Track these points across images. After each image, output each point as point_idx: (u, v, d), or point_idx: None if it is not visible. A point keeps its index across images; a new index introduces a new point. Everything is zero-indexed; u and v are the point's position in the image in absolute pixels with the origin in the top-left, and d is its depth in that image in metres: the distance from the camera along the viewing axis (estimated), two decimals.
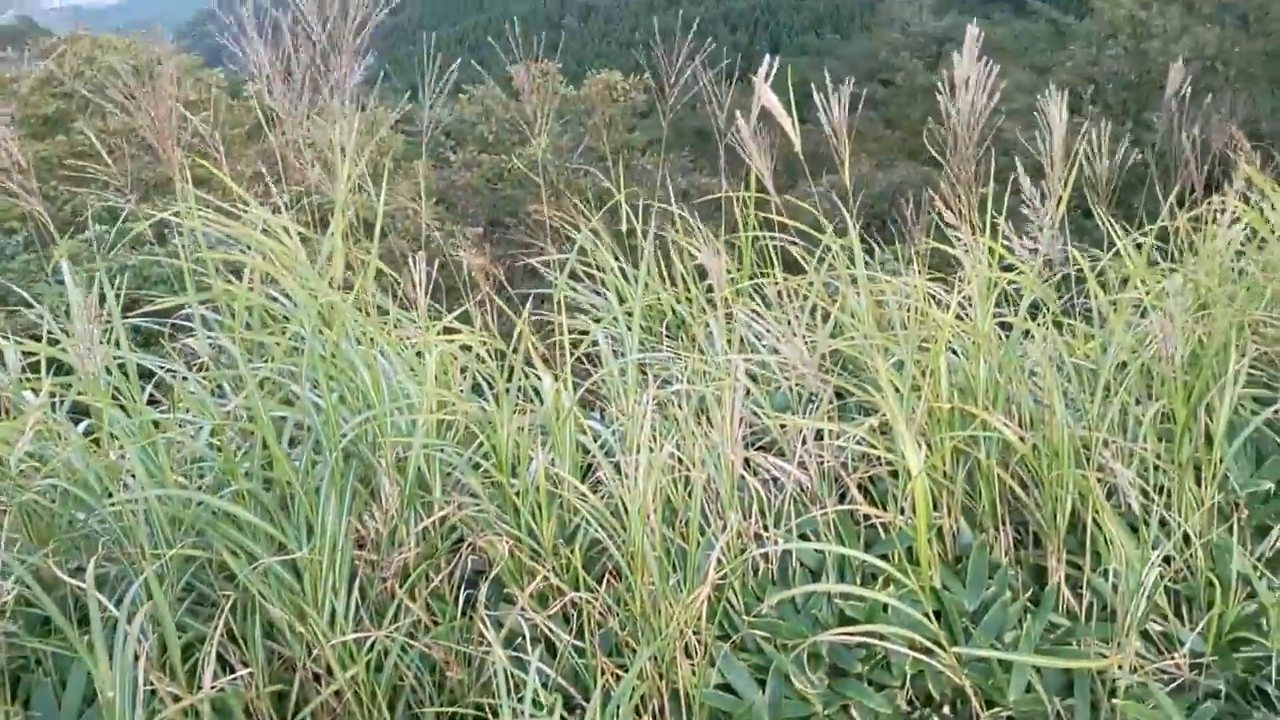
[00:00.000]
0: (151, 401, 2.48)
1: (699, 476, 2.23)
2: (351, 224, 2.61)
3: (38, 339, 2.46)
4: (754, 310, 2.88)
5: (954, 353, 2.66)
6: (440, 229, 7.97)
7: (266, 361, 2.43)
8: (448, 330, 2.72)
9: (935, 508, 2.44)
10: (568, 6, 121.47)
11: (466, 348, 2.64)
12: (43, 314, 2.45)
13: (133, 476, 2.15)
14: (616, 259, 3.00)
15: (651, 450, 2.17)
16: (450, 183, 10.58)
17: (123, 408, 2.27)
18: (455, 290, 2.86)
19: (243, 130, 12.76)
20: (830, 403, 2.56)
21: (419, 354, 2.53)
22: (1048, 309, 2.66)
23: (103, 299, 2.26)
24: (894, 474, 2.46)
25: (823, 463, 2.48)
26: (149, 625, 2.01)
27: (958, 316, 2.58)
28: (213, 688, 1.96)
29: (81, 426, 2.46)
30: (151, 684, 1.97)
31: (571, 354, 2.61)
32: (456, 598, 2.28)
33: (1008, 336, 2.59)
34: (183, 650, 2.07)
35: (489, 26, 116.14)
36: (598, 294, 3.00)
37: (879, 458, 2.47)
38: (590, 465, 2.47)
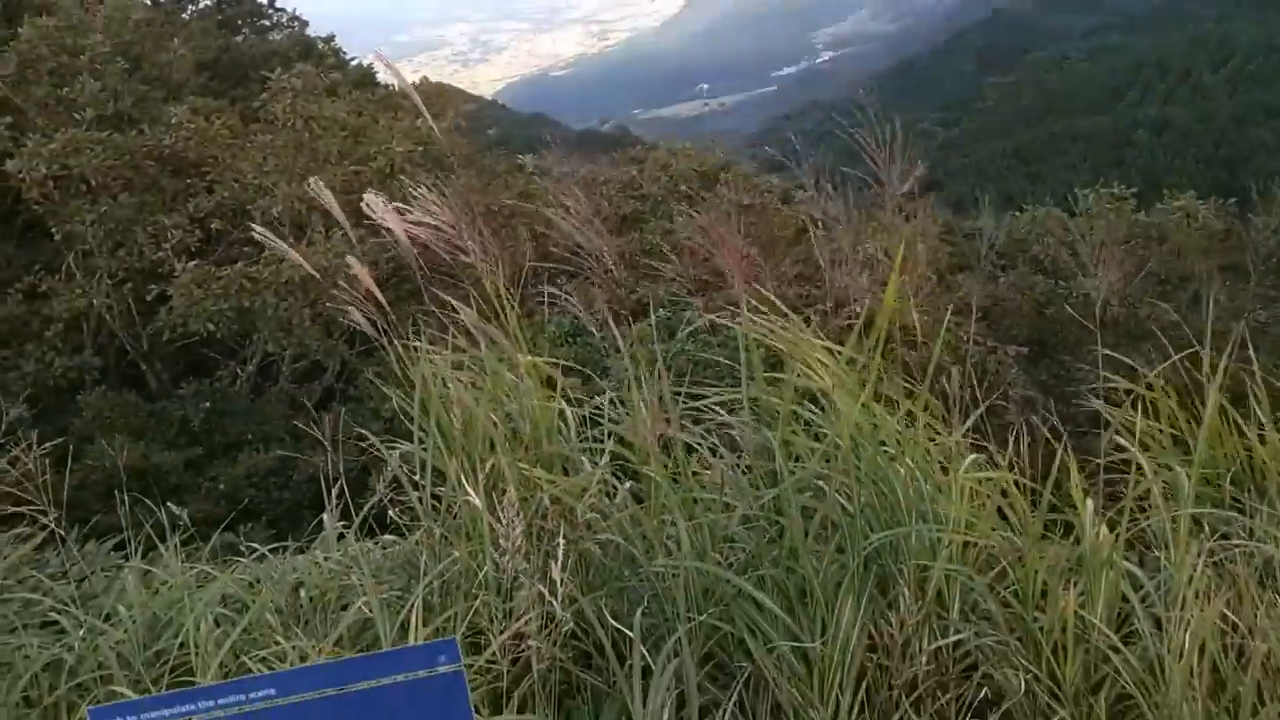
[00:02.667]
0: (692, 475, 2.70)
1: (1258, 647, 1.94)
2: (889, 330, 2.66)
3: (599, 407, 2.79)
4: None
5: None
6: (981, 344, 7.81)
7: (800, 460, 2.53)
8: (978, 448, 2.65)
9: None
10: (1140, 120, 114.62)
11: (993, 469, 2.55)
12: (605, 387, 2.78)
13: (677, 544, 2.34)
14: (1171, 395, 2.74)
15: (1201, 609, 1.94)
16: (995, 300, 10.35)
17: (675, 478, 2.50)
18: (994, 409, 2.79)
19: (789, 234, 13.53)
20: None
21: (945, 470, 2.49)
22: None
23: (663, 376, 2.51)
24: None
25: None
26: (672, 680, 2.17)
27: None
28: None
29: (626, 487, 2.73)
30: None
31: (1117, 490, 2.41)
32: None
33: None
34: (701, 709, 2.21)
35: (1049, 141, 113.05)
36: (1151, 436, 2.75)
37: None
38: (1126, 614, 2.26)
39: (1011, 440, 2.53)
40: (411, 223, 3.21)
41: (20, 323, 10.53)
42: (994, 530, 2.39)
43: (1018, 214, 12.97)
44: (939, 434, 2.57)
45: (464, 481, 2.67)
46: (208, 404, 8.92)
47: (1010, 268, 10.98)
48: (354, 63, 26.00)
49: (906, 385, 2.54)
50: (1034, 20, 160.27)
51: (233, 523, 4.64)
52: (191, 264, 9.95)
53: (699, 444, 2.68)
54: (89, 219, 10.72)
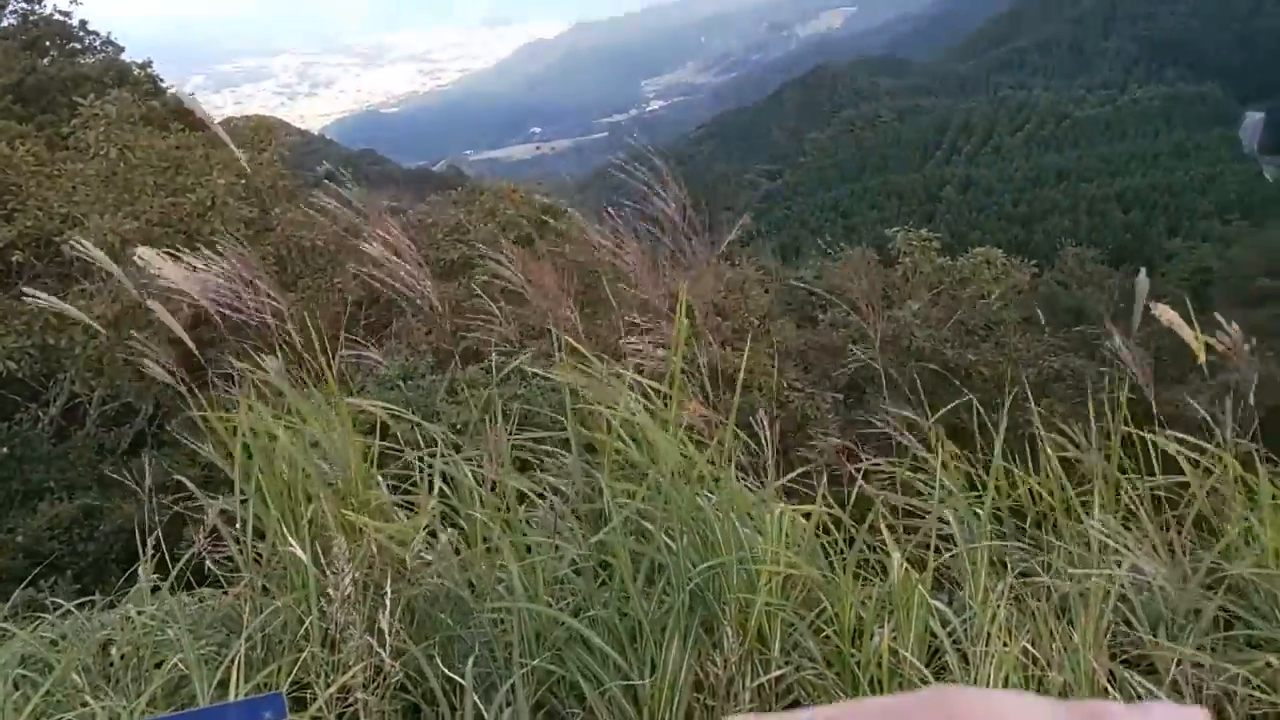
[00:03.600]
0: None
1: (1055, 678, 2.11)
2: (712, 377, 2.77)
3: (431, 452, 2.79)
4: (1127, 512, 2.71)
5: None
6: (799, 390, 8.14)
7: (628, 500, 2.59)
8: (789, 491, 2.77)
9: None
10: (947, 178, 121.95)
11: (807, 515, 2.68)
12: (437, 431, 2.79)
13: (508, 589, 2.36)
14: (972, 435, 2.94)
15: (1005, 643, 2.08)
16: (812, 343, 10.81)
17: (506, 523, 2.51)
18: (805, 452, 2.93)
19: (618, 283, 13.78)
20: (1211, 624, 2.33)
21: (764, 514, 2.59)
22: None
23: (493, 420, 2.54)
24: None
25: (1202, 688, 2.25)
26: None
27: None
28: None
29: (449, 533, 2.73)
30: None
31: (916, 532, 2.57)
32: None
33: None
34: None
35: (864, 195, 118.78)
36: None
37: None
38: (936, 648, 2.40)
39: (824, 481, 2.66)
40: (206, 275, 3.13)
41: None
42: (810, 567, 2.50)
43: (832, 257, 13.65)
44: (752, 476, 2.68)
45: (285, 532, 2.61)
46: (5, 449, 8.30)
47: (828, 309, 11.52)
48: (172, 90, 24.98)
49: (720, 425, 2.65)
50: (849, 78, 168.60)
51: (34, 577, 4.34)
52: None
53: (528, 490, 2.71)
54: None
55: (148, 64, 24.16)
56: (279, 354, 2.90)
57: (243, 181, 12.08)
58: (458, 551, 2.53)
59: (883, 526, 2.47)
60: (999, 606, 2.20)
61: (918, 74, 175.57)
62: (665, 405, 2.52)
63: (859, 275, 12.42)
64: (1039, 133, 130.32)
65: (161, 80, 25.13)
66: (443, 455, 2.71)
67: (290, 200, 13.66)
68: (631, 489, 2.52)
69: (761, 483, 2.64)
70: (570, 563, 2.56)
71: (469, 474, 2.47)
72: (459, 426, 2.68)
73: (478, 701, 2.12)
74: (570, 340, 2.66)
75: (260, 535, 2.73)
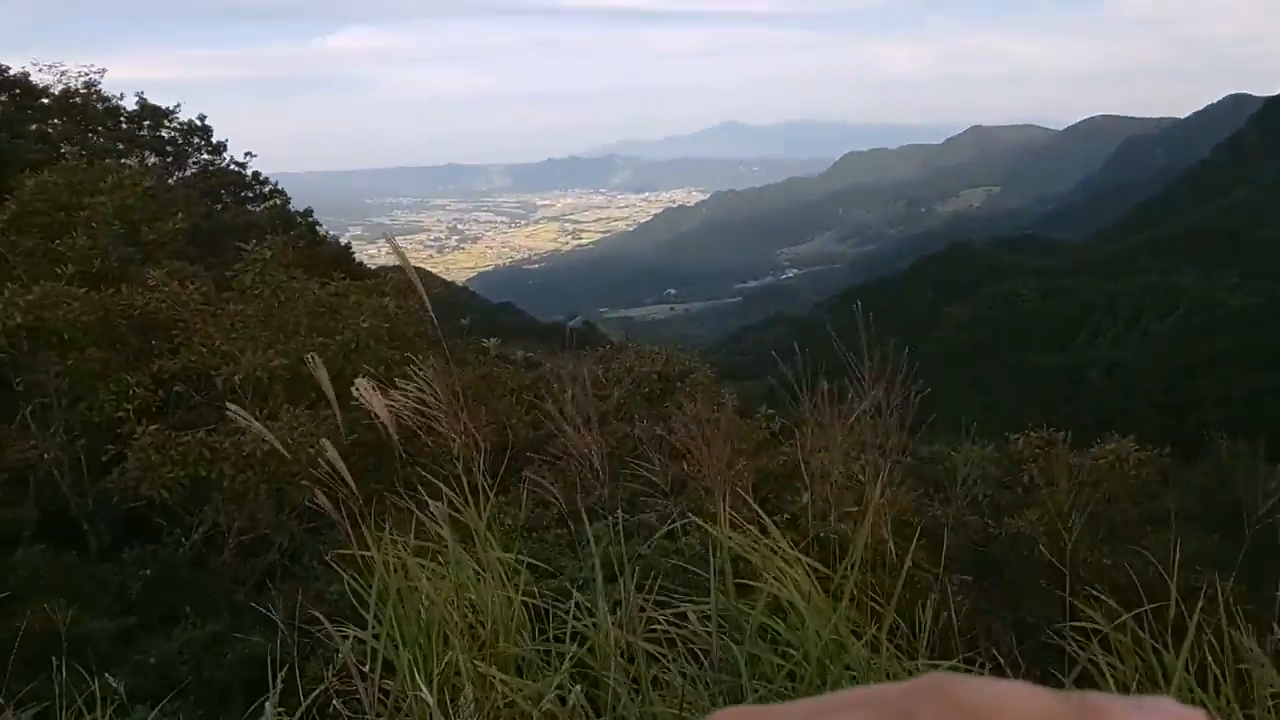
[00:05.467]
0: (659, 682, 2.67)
1: None
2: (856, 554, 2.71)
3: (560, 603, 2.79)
4: None
5: None
6: (926, 570, 7.86)
7: (767, 678, 2.52)
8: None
9: None
10: (1091, 360, 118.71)
11: None
12: (568, 584, 2.79)
13: None
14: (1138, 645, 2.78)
15: None
16: (931, 526, 10.47)
17: (635, 687, 2.47)
18: (954, 639, 2.82)
19: (749, 446, 13.71)
20: None
21: None
22: None
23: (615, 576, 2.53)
24: None
25: None
26: None
27: None
28: None
29: (577, 690, 2.69)
30: None
31: None
32: None
33: None
34: None
35: (1002, 372, 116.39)
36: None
37: None
38: None
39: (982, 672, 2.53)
40: (393, 401, 3.28)
41: None
42: None
43: (954, 451, 13.23)
44: (907, 662, 2.57)
45: (416, 676, 2.62)
46: (147, 571, 8.64)
47: (947, 502, 11.20)
48: (329, 238, 26.62)
49: (875, 608, 2.56)
50: (990, 256, 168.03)
51: (162, 698, 4.45)
52: (152, 427, 9.87)
53: (662, 653, 2.66)
54: (54, 371, 10.69)
55: (308, 213, 25.95)
56: (445, 491, 2.97)
57: (387, 325, 12.66)
58: (595, 710, 2.50)
59: None
60: None
61: (1060, 255, 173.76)
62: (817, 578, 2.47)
63: (983, 474, 12.05)
64: (1190, 319, 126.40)
65: (322, 228, 26.88)
66: (575, 612, 2.70)
67: (433, 348, 14.23)
68: (777, 662, 2.46)
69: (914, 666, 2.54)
70: None
71: (606, 630, 2.45)
72: (591, 579, 2.69)
73: None
74: (729, 499, 2.66)
75: (390, 673, 2.75)
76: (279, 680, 3.14)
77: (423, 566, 2.87)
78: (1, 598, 5.94)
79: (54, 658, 3.38)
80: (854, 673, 2.41)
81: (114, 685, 3.27)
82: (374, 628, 2.78)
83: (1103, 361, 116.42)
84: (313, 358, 3.10)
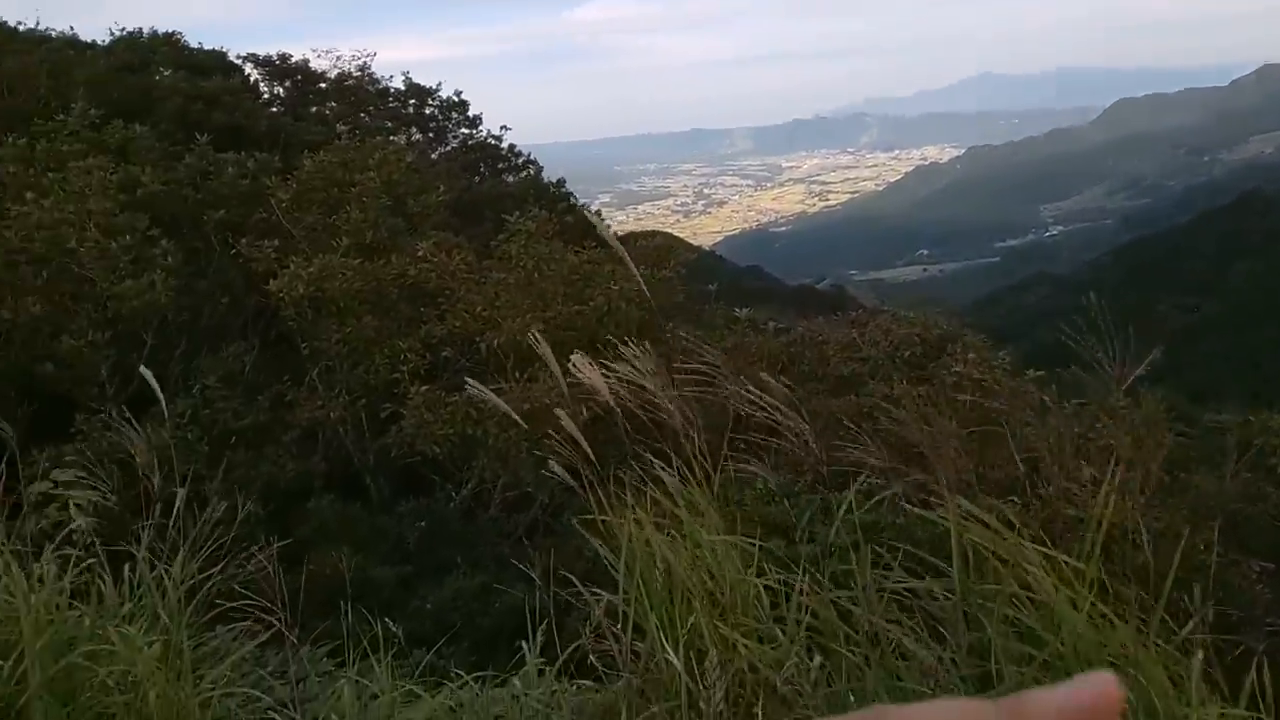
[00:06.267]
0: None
1: None
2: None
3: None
4: None
5: None
6: (1222, 555, 7.19)
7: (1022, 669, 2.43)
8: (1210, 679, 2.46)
9: None
10: None
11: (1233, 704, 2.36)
12: (802, 554, 2.78)
13: None
14: None
15: None
16: (1229, 506, 9.51)
17: (879, 663, 2.44)
18: (1236, 632, 2.61)
19: (1013, 414, 13.08)
20: None
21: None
22: None
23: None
24: None
25: None
26: None
27: None
28: None
29: (816, 663, 2.69)
30: None
31: None
32: None
33: None
34: None
35: None
36: None
37: None
38: None
39: (1254, 670, 2.33)
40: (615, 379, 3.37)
41: (265, 428, 11.47)
42: None
43: (1251, 417, 11.96)
44: (1171, 653, 2.41)
45: (661, 639, 2.71)
46: (423, 523, 9.34)
47: (1241, 473, 10.11)
48: (582, 206, 27.46)
49: (1138, 595, 2.41)
50: None
51: (439, 645, 4.82)
52: (423, 388, 10.60)
53: (900, 632, 2.63)
54: (334, 338, 11.68)
55: (561, 183, 26.79)
56: (673, 459, 3.05)
57: (637, 290, 12.95)
58: (829, 683, 2.51)
59: None
60: None
61: None
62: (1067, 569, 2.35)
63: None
64: None
65: (574, 197, 27.78)
66: (812, 585, 2.71)
67: (683, 314, 14.47)
68: (1029, 652, 2.37)
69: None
70: None
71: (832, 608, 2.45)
72: (830, 550, 2.68)
73: None
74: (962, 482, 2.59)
75: (640, 634, 2.85)
76: (538, 633, 3.34)
77: (662, 533, 2.95)
78: (296, 543, 6.58)
79: (341, 601, 3.73)
80: (1115, 663, 2.28)
81: (394, 629, 3.57)
82: (624, 591, 2.90)
83: None
84: (535, 334, 3.25)
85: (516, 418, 4.06)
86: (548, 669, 3.26)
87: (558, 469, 3.44)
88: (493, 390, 10.04)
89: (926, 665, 2.46)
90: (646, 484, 3.14)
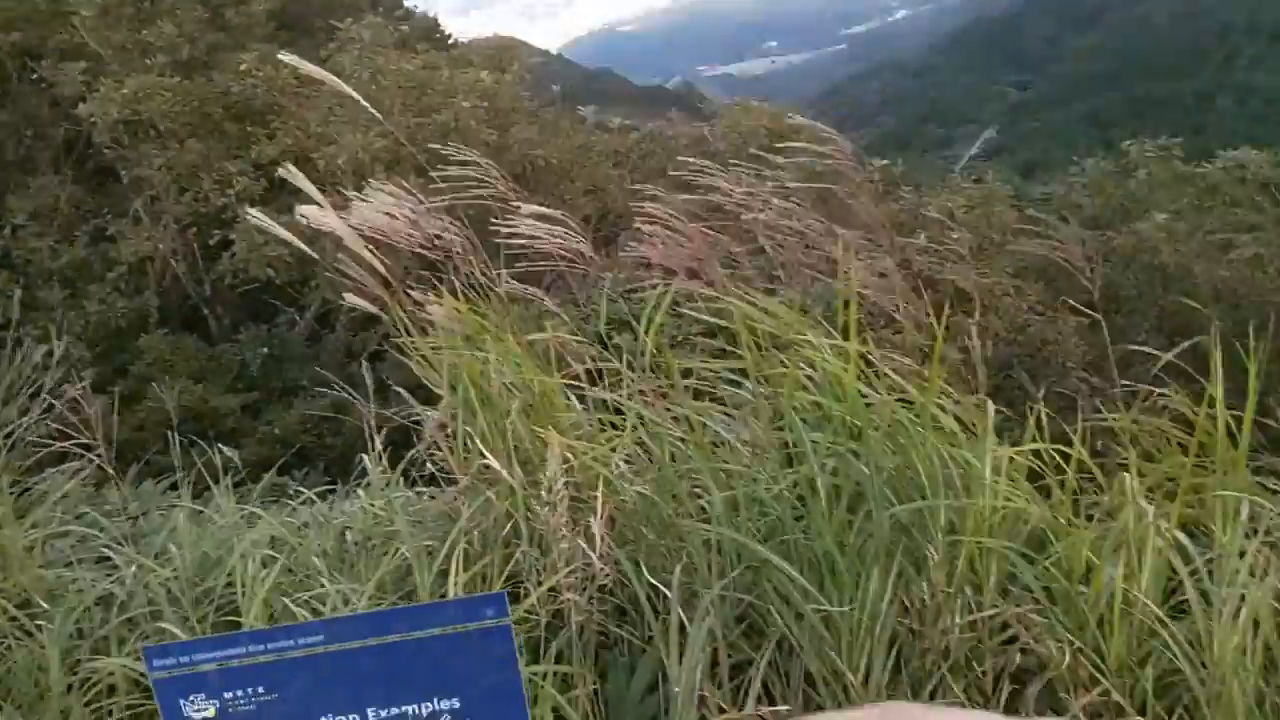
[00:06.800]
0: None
1: None
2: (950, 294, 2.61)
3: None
4: None
5: None
6: (1041, 312, 7.62)
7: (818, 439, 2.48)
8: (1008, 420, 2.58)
9: None
10: (1225, 85, 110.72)
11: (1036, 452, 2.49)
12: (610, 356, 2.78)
13: (707, 508, 2.34)
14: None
15: (1257, 584, 1.91)
16: (1051, 261, 10.02)
17: (697, 445, 2.49)
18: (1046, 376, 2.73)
19: (860, 198, 13.35)
20: None
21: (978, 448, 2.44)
22: None
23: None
24: None
25: None
26: (706, 638, 2.19)
27: None
28: (755, 712, 2.08)
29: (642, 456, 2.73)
30: (703, 691, 2.15)
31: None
32: (998, 690, 2.17)
33: None
34: (732, 669, 2.22)
35: (1126, 105, 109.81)
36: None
37: None
38: (1174, 587, 2.23)
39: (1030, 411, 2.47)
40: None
41: (85, 265, 10.78)
42: (1029, 503, 2.34)
43: (1072, 171, 12.45)
44: (961, 402, 2.51)
45: (487, 445, 2.71)
46: (265, 350, 9.05)
47: (1066, 225, 10.61)
48: (419, 12, 25.93)
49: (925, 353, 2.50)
50: None
51: (286, 467, 4.74)
52: (255, 209, 10.07)
53: (708, 419, 2.68)
54: (157, 164, 10.92)
55: None
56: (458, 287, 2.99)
57: (485, 104, 12.45)
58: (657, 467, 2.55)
59: (1118, 460, 2.28)
60: (1251, 547, 2.02)
61: None
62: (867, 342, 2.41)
63: (1096, 189, 11.43)
64: None
65: (409, 3, 26.14)
66: (628, 384, 2.71)
67: (529, 120, 14.02)
68: (822, 417, 2.44)
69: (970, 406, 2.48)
70: (765, 487, 2.51)
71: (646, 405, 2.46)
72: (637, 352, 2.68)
73: (680, 611, 2.15)
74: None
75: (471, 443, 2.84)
76: (379, 446, 3.29)
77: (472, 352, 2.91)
78: (130, 380, 6.31)
79: (169, 432, 3.59)
80: (905, 420, 2.37)
81: (229, 455, 3.47)
82: (448, 406, 2.89)
83: (1237, 86, 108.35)
84: (288, 167, 3.08)
85: (307, 250, 3.86)
86: (392, 479, 3.22)
87: (354, 299, 3.32)
88: (334, 201, 9.66)
89: (736, 445, 2.53)
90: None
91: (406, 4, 25.75)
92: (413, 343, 3.03)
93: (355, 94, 3.40)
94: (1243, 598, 1.99)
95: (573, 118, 17.83)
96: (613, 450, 2.61)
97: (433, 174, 3.29)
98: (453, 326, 2.94)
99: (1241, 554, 2.06)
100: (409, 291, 3.07)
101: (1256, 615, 1.97)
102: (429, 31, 22.49)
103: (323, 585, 2.75)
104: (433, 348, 2.96)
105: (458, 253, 2.96)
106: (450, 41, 22.23)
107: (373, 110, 3.87)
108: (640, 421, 2.65)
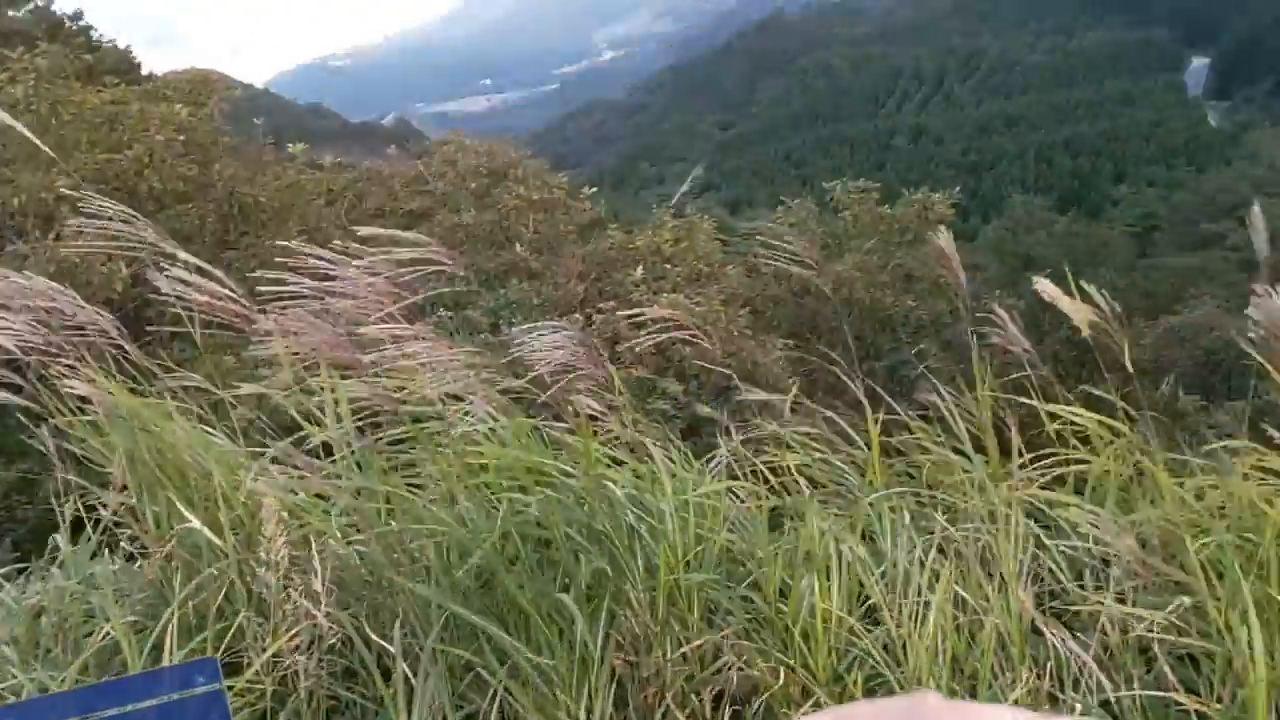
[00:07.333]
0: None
1: (988, 623, 2.12)
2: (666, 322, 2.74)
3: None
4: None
5: None
6: (751, 336, 8.14)
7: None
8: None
9: None
10: (898, 126, 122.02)
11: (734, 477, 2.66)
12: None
13: (417, 559, 2.33)
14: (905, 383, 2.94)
15: (929, 590, 2.10)
16: (759, 293, 10.79)
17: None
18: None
19: (574, 230, 13.64)
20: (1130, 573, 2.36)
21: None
22: None
23: None
24: (1209, 656, 2.21)
25: (1127, 631, 2.27)
26: (434, 694, 2.16)
27: None
28: None
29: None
30: None
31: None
32: (718, 715, 2.27)
33: None
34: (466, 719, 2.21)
35: (818, 145, 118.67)
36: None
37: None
38: (863, 595, 2.40)
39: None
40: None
41: None
42: (726, 532, 2.48)
43: (780, 208, 13.61)
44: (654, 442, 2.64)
45: (175, 514, 2.59)
46: None
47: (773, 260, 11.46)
48: (108, 44, 24.14)
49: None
50: (803, 27, 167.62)
51: None
52: None
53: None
54: None
55: (78, 16, 23.36)
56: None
57: (182, 139, 11.77)
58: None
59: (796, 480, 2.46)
60: (923, 556, 2.22)
61: (870, 22, 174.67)
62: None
63: (802, 228, 12.46)
64: (989, 80, 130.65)
65: (97, 33, 24.29)
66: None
67: (232, 156, 13.35)
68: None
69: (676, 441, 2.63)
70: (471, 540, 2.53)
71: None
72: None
73: (405, 668, 2.12)
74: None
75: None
76: (67, 517, 3.02)
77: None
78: None
79: None
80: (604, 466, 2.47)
81: None
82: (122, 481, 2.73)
83: (910, 128, 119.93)
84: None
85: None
86: (94, 553, 2.97)
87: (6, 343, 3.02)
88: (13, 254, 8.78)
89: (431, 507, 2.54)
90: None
91: (95, 35, 23.95)
92: (69, 422, 2.82)
93: (25, 130, 3.10)
94: (927, 604, 2.17)
95: (279, 154, 17.15)
96: (326, 512, 2.55)
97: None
98: (112, 407, 2.76)
99: (921, 564, 2.25)
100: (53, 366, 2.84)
101: (942, 622, 2.15)
102: (120, 63, 21.00)
103: (14, 676, 2.50)
104: (89, 423, 2.77)
105: (95, 328, 2.77)
106: (146, 74, 20.84)
107: (44, 147, 3.54)
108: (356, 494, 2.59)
